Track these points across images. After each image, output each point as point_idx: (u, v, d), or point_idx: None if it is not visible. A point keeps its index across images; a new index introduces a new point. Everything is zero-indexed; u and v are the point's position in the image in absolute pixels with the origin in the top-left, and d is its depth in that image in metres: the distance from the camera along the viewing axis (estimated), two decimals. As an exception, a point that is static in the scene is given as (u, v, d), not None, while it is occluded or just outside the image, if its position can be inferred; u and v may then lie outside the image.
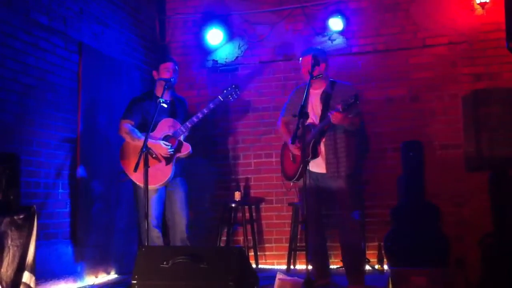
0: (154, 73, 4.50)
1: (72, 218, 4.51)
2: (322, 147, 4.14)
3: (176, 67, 4.49)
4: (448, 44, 5.38)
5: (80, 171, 4.61)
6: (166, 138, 4.31)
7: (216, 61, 6.04)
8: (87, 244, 4.60)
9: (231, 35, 5.97)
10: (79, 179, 4.59)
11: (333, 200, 4.20)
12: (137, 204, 4.33)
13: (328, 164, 4.12)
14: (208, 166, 5.78)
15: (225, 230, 5.55)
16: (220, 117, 5.83)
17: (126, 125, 4.36)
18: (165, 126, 4.33)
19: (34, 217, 3.35)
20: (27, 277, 3.29)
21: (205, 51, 6.04)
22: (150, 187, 4.17)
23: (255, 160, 5.78)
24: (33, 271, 3.32)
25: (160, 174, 4.25)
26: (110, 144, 4.96)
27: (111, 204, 4.97)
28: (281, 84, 5.81)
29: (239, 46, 6.00)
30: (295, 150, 4.12)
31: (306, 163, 3.96)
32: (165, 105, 4.19)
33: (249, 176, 5.78)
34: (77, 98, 4.63)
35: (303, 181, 3.72)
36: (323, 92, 4.18)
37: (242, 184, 5.76)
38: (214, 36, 5.86)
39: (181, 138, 4.35)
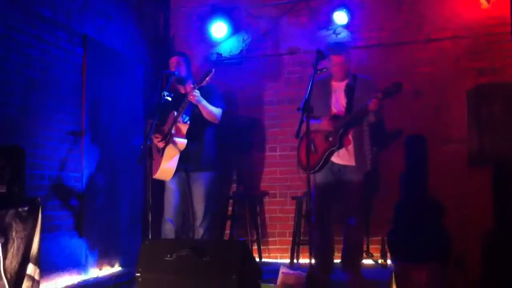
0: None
1: (76, 211, 4.52)
2: (350, 138, 4.13)
3: (181, 58, 4.52)
4: (453, 38, 5.35)
5: (85, 164, 4.61)
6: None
7: (220, 54, 6.03)
8: (91, 237, 4.61)
9: (236, 29, 5.95)
10: (84, 172, 4.60)
11: (349, 193, 4.17)
12: (146, 197, 4.32)
13: (356, 156, 4.12)
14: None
15: (229, 223, 5.56)
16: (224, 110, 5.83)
17: (148, 124, 4.45)
18: (169, 120, 4.35)
19: (39, 209, 3.36)
20: (31, 269, 3.30)
21: (209, 44, 6.03)
22: (156, 178, 4.26)
23: (259, 154, 5.78)
24: (37, 263, 3.33)
25: (165, 168, 4.28)
26: (114, 137, 4.97)
27: (115, 197, 4.98)
28: (285, 77, 5.80)
29: (243, 39, 5.99)
30: (326, 125, 4.10)
31: (331, 153, 4.08)
32: (169, 98, 4.18)
33: (252, 169, 5.78)
34: (81, 91, 4.63)
35: (320, 173, 3.96)
36: (347, 84, 4.21)
37: (245, 177, 5.76)
38: (219, 29, 5.85)
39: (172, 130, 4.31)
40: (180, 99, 4.34)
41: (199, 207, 4.40)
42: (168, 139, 4.26)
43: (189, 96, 4.20)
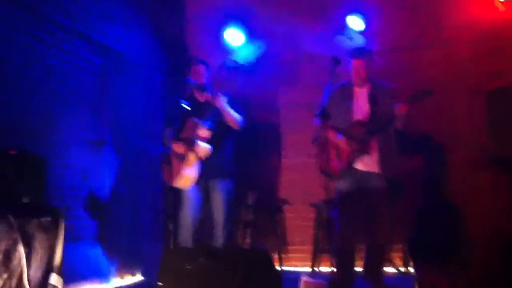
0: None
1: (98, 220, 4.53)
2: (374, 144, 4.10)
3: (203, 67, 4.54)
4: (468, 42, 5.31)
5: (106, 173, 4.64)
6: (188, 140, 4.34)
7: (237, 61, 6.04)
8: (113, 246, 4.62)
9: (251, 36, 5.96)
10: (105, 181, 4.62)
11: (373, 200, 4.12)
12: (168, 206, 4.34)
13: (381, 163, 4.08)
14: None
15: (249, 232, 5.55)
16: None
17: (166, 132, 4.46)
18: (189, 127, 4.35)
19: (61, 219, 3.37)
20: (54, 279, 3.30)
21: (225, 52, 6.03)
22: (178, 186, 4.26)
23: (277, 161, 5.78)
24: (60, 273, 3.33)
25: (185, 175, 4.28)
26: (133, 146, 4.99)
27: (136, 205, 4.99)
28: (301, 83, 5.79)
29: (259, 46, 5.99)
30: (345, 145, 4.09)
31: (354, 159, 4.06)
32: (187, 107, 4.20)
33: (271, 177, 5.77)
34: (102, 101, 4.67)
35: (343, 180, 3.97)
36: (370, 91, 4.19)
37: (264, 185, 5.74)
38: (234, 36, 5.86)
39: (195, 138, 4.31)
40: (200, 106, 4.35)
41: (219, 216, 4.37)
42: (190, 146, 4.26)
43: (215, 101, 4.24)
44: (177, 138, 4.31)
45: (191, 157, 4.28)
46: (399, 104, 3.92)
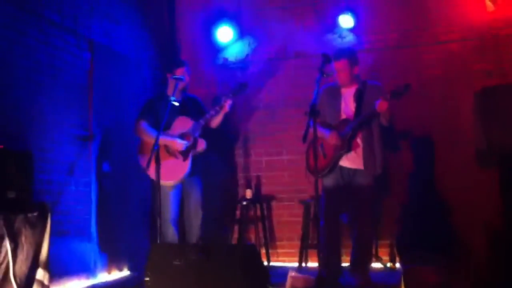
0: (168, 75, 4.60)
1: (85, 215, 4.52)
2: (359, 142, 4.15)
3: (187, 68, 4.61)
4: (460, 41, 5.34)
5: (93, 168, 4.62)
6: (182, 136, 4.40)
7: (226, 58, 6.03)
8: (100, 241, 4.61)
9: (241, 33, 5.96)
10: (92, 176, 4.61)
11: (359, 197, 4.15)
12: (155, 201, 4.37)
13: (365, 159, 4.12)
14: (218, 163, 5.78)
15: (237, 227, 5.56)
16: (230, 114, 5.82)
17: (142, 124, 4.48)
18: (180, 124, 4.42)
19: (48, 214, 3.37)
20: (41, 274, 3.31)
21: (215, 49, 6.04)
22: (168, 183, 4.25)
23: (266, 158, 5.78)
24: (47, 268, 3.33)
25: (177, 170, 4.34)
26: (122, 141, 4.98)
27: (124, 201, 4.98)
28: (291, 81, 5.80)
29: (249, 43, 5.99)
30: (333, 139, 4.13)
31: (339, 157, 4.12)
32: (176, 103, 4.24)
33: (260, 173, 5.77)
34: (89, 96, 4.65)
35: (329, 177, 4.07)
36: (357, 90, 4.21)
37: (253, 181, 5.75)
38: (224, 33, 5.87)
39: (196, 134, 4.42)
40: (182, 105, 4.46)
41: (198, 210, 4.49)
42: (193, 143, 4.40)
43: (226, 107, 4.42)
44: (169, 134, 4.35)
45: (191, 153, 4.37)
46: (379, 100, 3.94)
